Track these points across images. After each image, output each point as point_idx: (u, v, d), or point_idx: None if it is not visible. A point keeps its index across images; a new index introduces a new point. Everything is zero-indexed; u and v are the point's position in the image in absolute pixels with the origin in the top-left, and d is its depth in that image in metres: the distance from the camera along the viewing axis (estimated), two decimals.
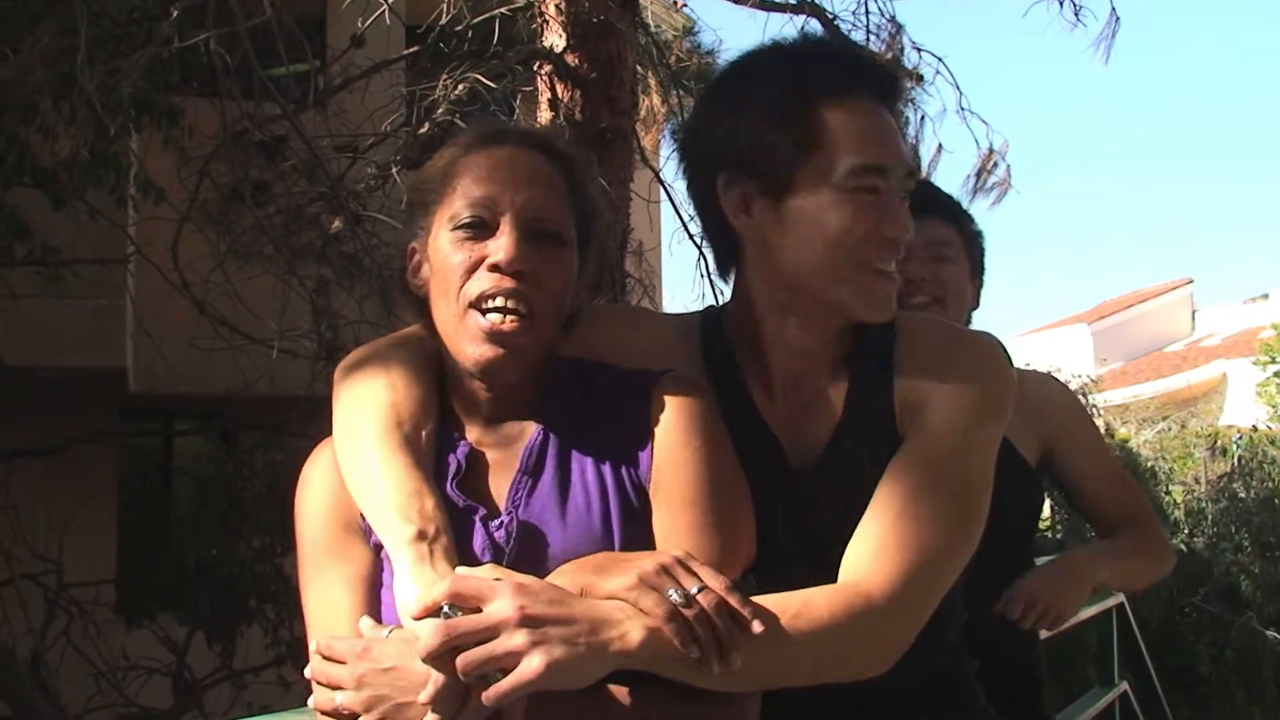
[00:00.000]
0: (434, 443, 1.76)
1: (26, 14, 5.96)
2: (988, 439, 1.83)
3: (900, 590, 1.68)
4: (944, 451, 1.77)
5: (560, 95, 6.22)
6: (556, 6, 6.20)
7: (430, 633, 1.48)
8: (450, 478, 1.72)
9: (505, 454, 1.76)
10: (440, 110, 6.28)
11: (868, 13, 7.25)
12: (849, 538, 1.74)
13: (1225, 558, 11.34)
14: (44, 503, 8.49)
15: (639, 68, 7.30)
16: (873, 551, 1.71)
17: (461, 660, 1.47)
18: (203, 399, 9.30)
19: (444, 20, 6.75)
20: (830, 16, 7.37)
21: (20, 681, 7.13)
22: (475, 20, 6.70)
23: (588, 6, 6.10)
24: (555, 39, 6.24)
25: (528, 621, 1.47)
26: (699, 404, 1.76)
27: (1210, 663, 10.48)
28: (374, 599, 1.72)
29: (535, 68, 6.45)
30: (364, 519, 1.71)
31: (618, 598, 1.53)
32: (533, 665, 1.45)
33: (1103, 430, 11.72)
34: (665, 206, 8.72)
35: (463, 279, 1.72)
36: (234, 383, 7.24)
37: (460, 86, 6.26)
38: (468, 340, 1.71)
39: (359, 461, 1.71)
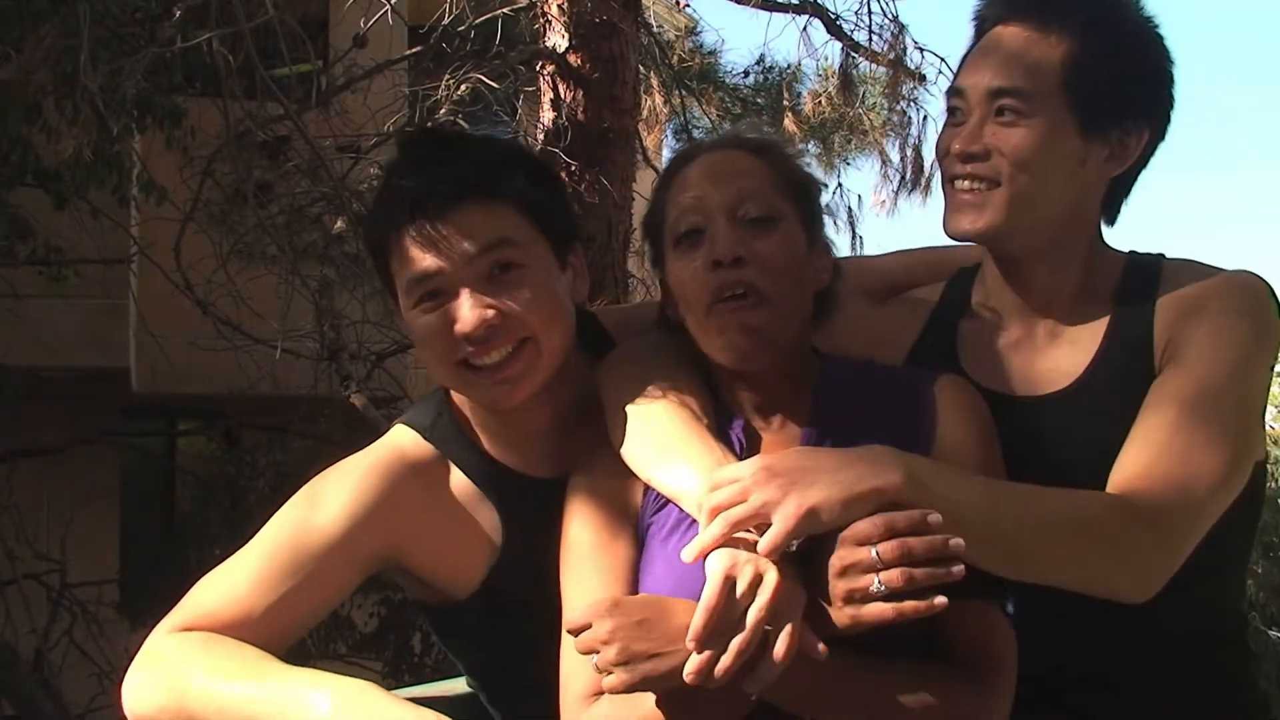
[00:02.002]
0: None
1: (29, 14, 5.95)
2: (1255, 374, 1.81)
3: (1170, 505, 1.65)
4: (1212, 381, 1.75)
5: (563, 95, 6.22)
6: (559, 6, 6.19)
7: (704, 520, 1.54)
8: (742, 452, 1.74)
9: (780, 440, 1.77)
10: (443, 110, 6.27)
11: (870, 13, 7.25)
12: (1098, 469, 1.71)
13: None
14: (47, 503, 8.49)
15: (641, 68, 7.30)
16: (1142, 466, 1.68)
17: (723, 520, 1.51)
18: (205, 399, 9.28)
19: (446, 20, 6.75)
20: (833, 16, 7.37)
21: (23, 681, 7.14)
22: (478, 20, 6.69)
23: (590, 6, 6.09)
24: (558, 39, 6.23)
25: (775, 475, 1.52)
26: (979, 406, 1.78)
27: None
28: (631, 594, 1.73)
29: (538, 68, 6.45)
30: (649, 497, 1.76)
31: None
32: (789, 510, 1.48)
33: None
34: None
35: (693, 286, 1.74)
36: (237, 383, 7.23)
37: (463, 86, 6.26)
38: (714, 335, 1.74)
39: (649, 434, 1.74)
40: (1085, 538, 1.61)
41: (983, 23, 1.91)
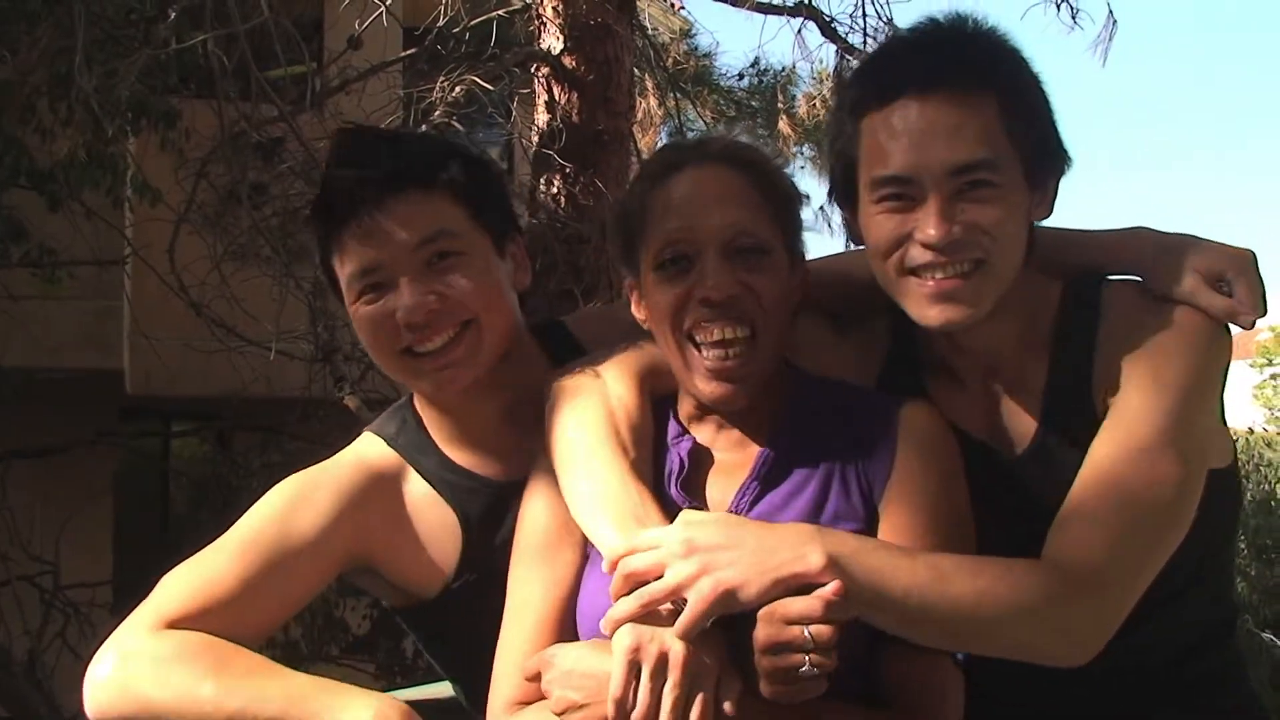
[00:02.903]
0: (657, 441, 1.79)
1: (24, 15, 5.95)
2: (1201, 401, 1.76)
3: (1108, 571, 1.60)
4: (1153, 425, 1.69)
5: (557, 97, 6.23)
6: (554, 9, 6.20)
7: (616, 584, 1.53)
8: (674, 476, 1.74)
9: (736, 458, 1.77)
10: (438, 112, 6.27)
11: (865, 16, 7.24)
12: None
13: (1235, 557, 11.31)
14: (41, 504, 8.47)
15: (636, 70, 7.31)
16: (1079, 531, 1.64)
17: (637, 598, 1.51)
18: (200, 400, 9.29)
19: (441, 22, 6.75)
20: (828, 19, 7.36)
21: (17, 683, 7.13)
22: (473, 22, 6.70)
23: (585, 9, 6.10)
24: (552, 41, 6.24)
25: (695, 550, 1.50)
26: (944, 434, 1.77)
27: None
28: (570, 604, 1.75)
29: (532, 70, 6.46)
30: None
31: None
32: (704, 591, 1.48)
33: None
34: None
35: (676, 316, 1.73)
36: (231, 384, 7.23)
37: (457, 88, 6.26)
38: (696, 377, 1.73)
39: (576, 470, 1.74)
40: (1020, 611, 1.57)
41: (886, 93, 1.74)
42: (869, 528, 1.68)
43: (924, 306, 1.75)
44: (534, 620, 1.74)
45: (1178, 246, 1.85)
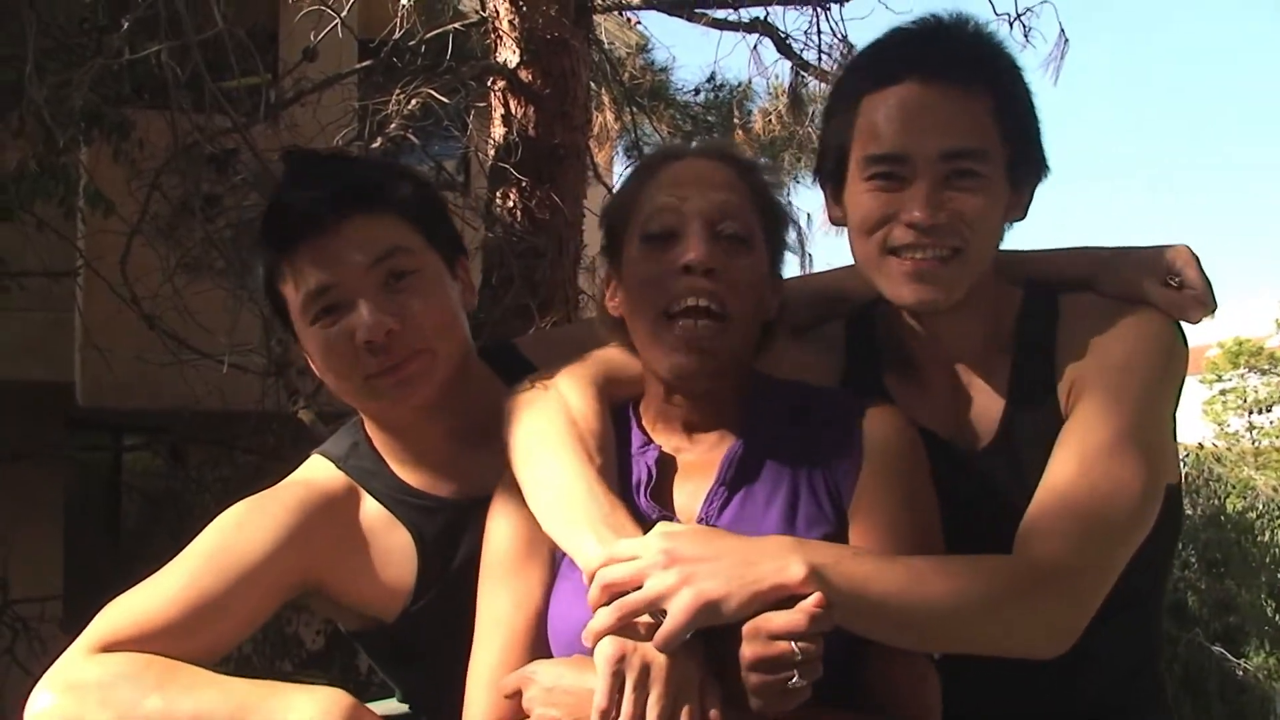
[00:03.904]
0: (621, 450, 1.78)
1: None
2: (1160, 408, 1.80)
3: (1078, 561, 1.63)
4: (1116, 425, 1.73)
5: (514, 111, 6.23)
6: (510, 22, 6.20)
7: (594, 595, 1.51)
8: (643, 486, 1.73)
9: (702, 463, 1.77)
10: (393, 125, 6.27)
11: (819, 33, 7.30)
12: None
13: (1172, 574, 11.44)
14: None
15: (592, 84, 7.32)
16: (1048, 523, 1.66)
17: (616, 608, 1.49)
18: (152, 414, 9.21)
19: (397, 35, 6.74)
20: (783, 36, 7.42)
21: None
22: (429, 35, 6.69)
23: (541, 23, 6.11)
24: (509, 55, 6.24)
25: (675, 561, 1.49)
26: (910, 434, 1.77)
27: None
28: (542, 619, 1.74)
29: (489, 83, 6.46)
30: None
31: None
32: (685, 602, 1.46)
33: None
34: None
35: (654, 288, 1.73)
36: (183, 397, 7.17)
37: (413, 101, 6.25)
38: (664, 349, 1.72)
39: (540, 481, 1.72)
40: (995, 608, 1.59)
41: (886, 77, 1.81)
42: (839, 531, 1.69)
43: (901, 285, 1.80)
44: (506, 637, 1.73)
45: (1123, 253, 1.92)
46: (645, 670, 1.48)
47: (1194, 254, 1.87)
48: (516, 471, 1.76)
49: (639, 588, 1.50)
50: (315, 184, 1.86)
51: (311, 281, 1.82)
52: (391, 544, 1.94)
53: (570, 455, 1.71)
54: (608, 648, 1.49)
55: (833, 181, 1.90)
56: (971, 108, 1.77)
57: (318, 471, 1.97)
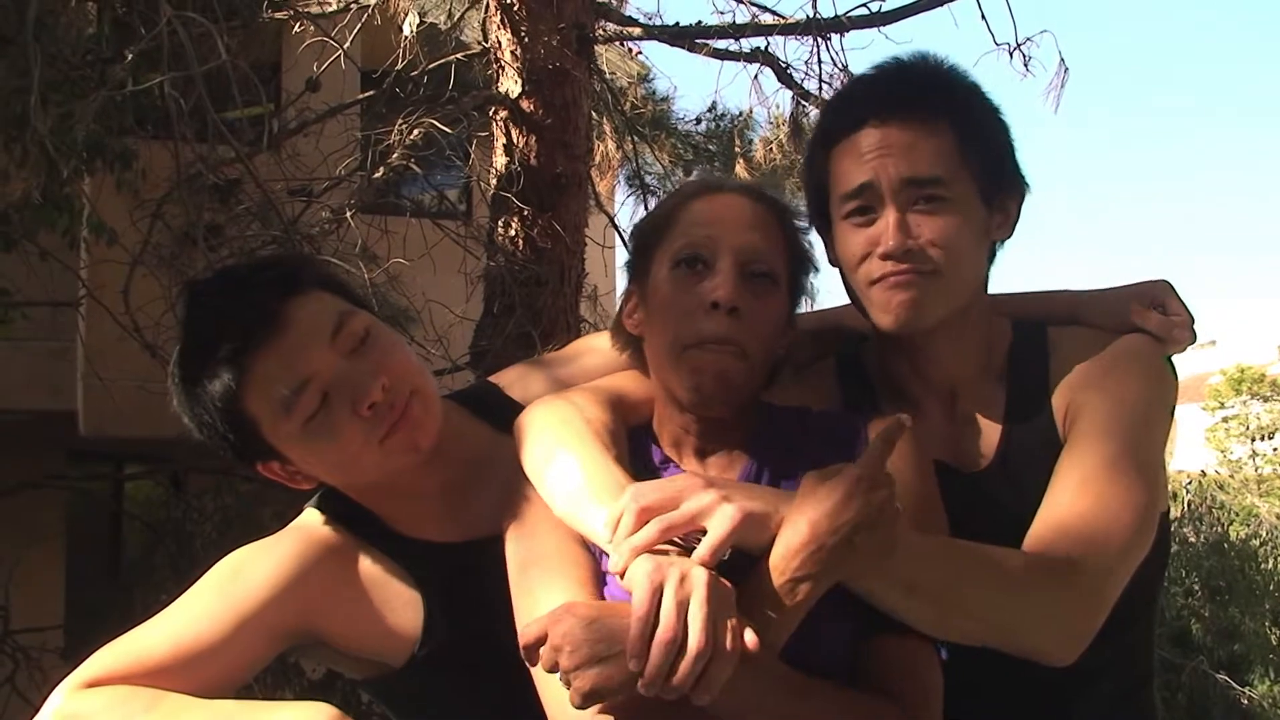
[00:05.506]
0: (642, 466, 1.79)
1: None
2: (1155, 435, 1.84)
3: (1084, 559, 1.66)
4: (1116, 446, 1.77)
5: (515, 141, 6.24)
6: (512, 52, 6.22)
7: (628, 521, 1.50)
8: None
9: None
10: (395, 155, 6.27)
11: (820, 62, 7.32)
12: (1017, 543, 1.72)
13: (1176, 602, 11.41)
14: None
15: (594, 114, 7.34)
16: (1055, 526, 1.70)
17: (656, 524, 1.48)
18: (153, 443, 9.18)
19: (399, 65, 6.77)
20: (783, 65, 7.44)
21: None
22: (431, 65, 6.72)
23: (543, 53, 6.12)
24: (511, 84, 6.26)
25: (709, 485, 1.51)
26: (914, 444, 1.78)
27: (1162, 706, 10.50)
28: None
29: (490, 113, 6.47)
30: None
31: None
32: (728, 514, 1.46)
33: None
34: (619, 251, 8.75)
35: (679, 317, 1.76)
36: (185, 427, 7.14)
37: (415, 131, 6.26)
38: (682, 372, 1.75)
39: (561, 471, 1.71)
40: (1005, 590, 1.61)
41: (850, 124, 1.87)
42: None
43: (883, 312, 1.86)
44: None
45: (1104, 290, 1.99)
46: (684, 581, 1.43)
47: (1173, 286, 1.95)
48: (534, 472, 1.76)
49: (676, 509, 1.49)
50: (235, 306, 1.87)
51: (287, 382, 1.81)
52: (394, 591, 1.93)
53: (588, 446, 1.72)
54: (645, 563, 1.46)
55: (823, 229, 1.97)
56: (929, 139, 1.83)
57: (315, 522, 1.98)
